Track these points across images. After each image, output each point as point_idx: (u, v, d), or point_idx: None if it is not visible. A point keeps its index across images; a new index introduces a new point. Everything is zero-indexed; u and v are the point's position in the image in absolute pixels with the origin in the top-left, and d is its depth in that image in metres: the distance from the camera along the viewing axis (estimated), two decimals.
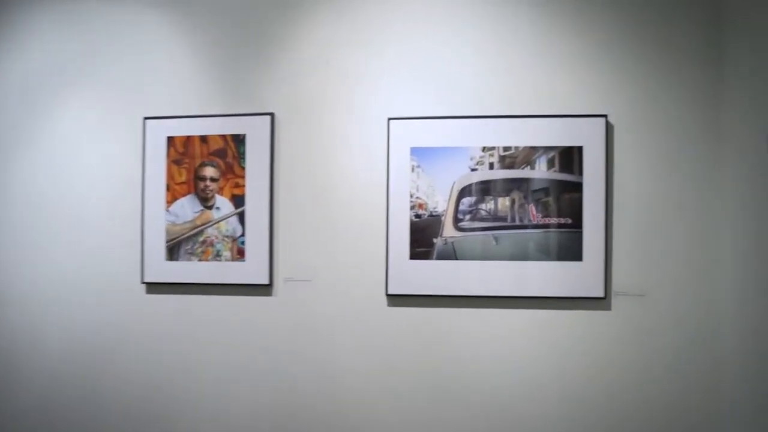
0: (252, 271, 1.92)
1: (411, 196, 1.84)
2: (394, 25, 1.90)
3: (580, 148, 1.78)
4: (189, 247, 1.96)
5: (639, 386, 1.76)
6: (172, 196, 1.98)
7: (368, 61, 1.91)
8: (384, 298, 1.88)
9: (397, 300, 1.87)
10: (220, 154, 1.96)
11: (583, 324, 1.80)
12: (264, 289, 1.93)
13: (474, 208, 1.82)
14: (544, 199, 1.79)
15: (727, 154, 1.72)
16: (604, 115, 1.78)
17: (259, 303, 1.94)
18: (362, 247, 1.89)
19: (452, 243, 1.82)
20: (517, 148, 1.81)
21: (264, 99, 1.96)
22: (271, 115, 1.93)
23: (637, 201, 1.79)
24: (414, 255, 1.83)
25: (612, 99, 1.80)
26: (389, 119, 1.86)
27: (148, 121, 1.99)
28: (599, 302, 1.79)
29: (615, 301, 1.79)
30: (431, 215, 1.83)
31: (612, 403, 1.77)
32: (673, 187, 1.78)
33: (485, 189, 1.82)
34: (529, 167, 1.80)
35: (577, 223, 1.78)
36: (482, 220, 1.82)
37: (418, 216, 1.84)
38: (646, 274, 1.78)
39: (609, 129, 1.80)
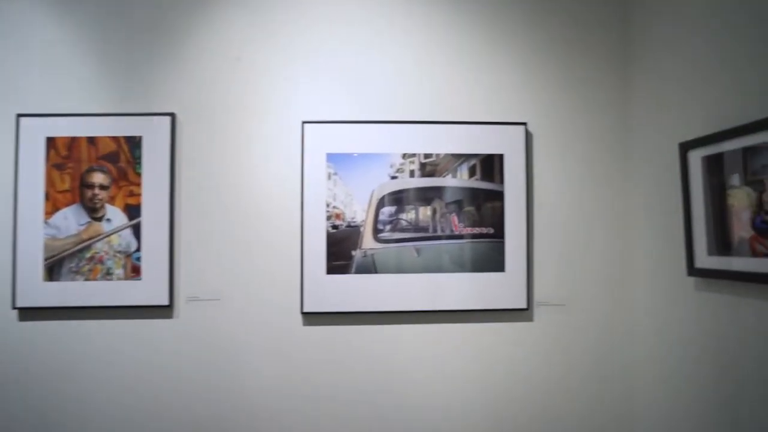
0: (149, 290, 1.70)
1: (327, 205, 1.71)
2: (312, 24, 1.78)
3: (501, 156, 1.75)
4: (73, 264, 1.70)
5: (562, 392, 1.76)
6: (53, 205, 1.71)
7: (282, 59, 1.77)
8: (299, 317, 1.73)
9: (313, 318, 1.73)
10: (112, 158, 1.73)
11: (507, 336, 1.76)
12: (163, 311, 1.72)
13: (394, 218, 1.72)
14: (466, 209, 1.73)
15: (639, 163, 1.75)
16: (524, 123, 1.75)
17: (158, 327, 1.72)
18: (275, 261, 1.73)
19: (372, 255, 1.71)
20: (438, 155, 1.74)
21: (164, 97, 1.75)
22: (172, 115, 1.73)
23: (556, 210, 1.78)
24: (331, 269, 1.70)
25: (531, 107, 1.79)
26: (304, 123, 1.72)
27: (22, 118, 1.72)
28: (522, 313, 1.76)
29: (537, 312, 1.76)
30: (349, 226, 1.71)
31: (535, 411, 1.74)
32: (589, 197, 1.79)
33: (406, 198, 1.73)
34: (450, 175, 1.74)
35: (500, 233, 1.73)
36: (403, 230, 1.72)
37: (335, 227, 1.71)
38: (566, 283, 1.77)
39: (528, 137, 1.78)
